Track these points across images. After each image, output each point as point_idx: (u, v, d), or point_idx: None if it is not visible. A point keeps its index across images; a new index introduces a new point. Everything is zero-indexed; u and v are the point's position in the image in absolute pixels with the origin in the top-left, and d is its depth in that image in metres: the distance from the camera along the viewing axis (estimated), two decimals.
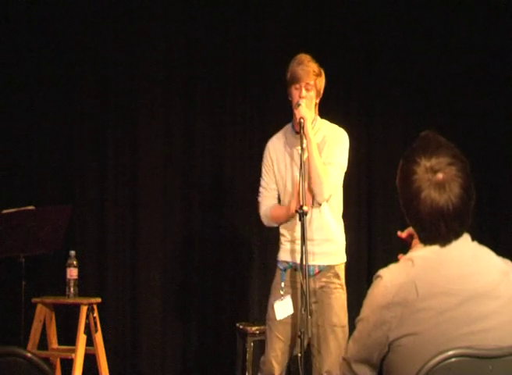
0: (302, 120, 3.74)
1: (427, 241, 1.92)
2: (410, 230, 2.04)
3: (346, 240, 3.92)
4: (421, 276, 1.87)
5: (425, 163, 1.90)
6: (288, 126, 4.00)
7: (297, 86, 3.85)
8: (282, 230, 3.98)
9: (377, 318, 1.88)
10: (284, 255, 3.94)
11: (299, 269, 3.76)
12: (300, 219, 3.65)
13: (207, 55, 5.43)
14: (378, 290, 1.90)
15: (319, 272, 3.81)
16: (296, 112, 3.81)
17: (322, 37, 5.49)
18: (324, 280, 3.81)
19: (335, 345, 3.78)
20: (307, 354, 3.71)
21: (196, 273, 5.36)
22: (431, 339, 1.82)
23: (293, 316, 3.83)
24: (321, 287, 3.81)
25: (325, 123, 3.97)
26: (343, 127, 3.92)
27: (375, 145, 5.63)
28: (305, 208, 3.64)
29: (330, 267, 3.83)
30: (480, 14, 5.63)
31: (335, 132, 3.93)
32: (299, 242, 3.76)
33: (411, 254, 1.96)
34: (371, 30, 5.64)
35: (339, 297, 3.84)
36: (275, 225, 3.97)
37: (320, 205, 3.79)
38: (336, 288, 3.82)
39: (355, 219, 5.37)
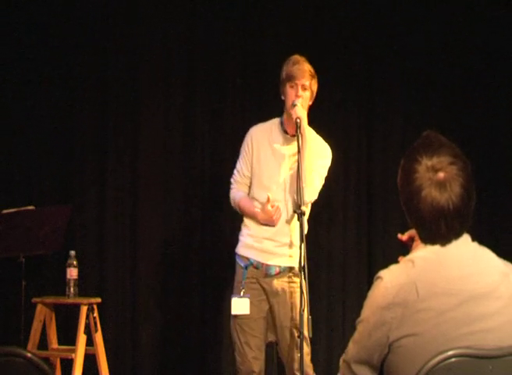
0: (298, 120, 3.71)
1: (427, 240, 1.92)
2: (410, 232, 2.04)
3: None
4: (421, 277, 1.86)
5: (427, 162, 1.90)
6: (276, 122, 3.96)
7: (293, 84, 3.82)
8: (246, 221, 3.96)
9: (377, 319, 1.88)
10: (245, 250, 3.93)
11: (260, 267, 3.84)
12: (298, 220, 3.65)
13: (207, 54, 5.43)
14: (378, 291, 1.90)
15: (280, 273, 3.84)
16: (292, 112, 3.77)
17: (322, 37, 5.48)
18: (285, 279, 3.85)
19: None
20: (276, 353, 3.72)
21: (196, 272, 5.35)
22: (431, 340, 1.82)
23: (260, 310, 3.85)
24: (283, 288, 3.84)
25: (312, 132, 3.93)
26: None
27: (374, 146, 5.61)
28: (303, 208, 3.63)
29: (291, 268, 3.86)
30: (480, 14, 5.62)
31: (320, 146, 3.91)
32: (263, 241, 3.79)
33: (412, 255, 1.96)
34: (371, 29, 5.63)
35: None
36: None
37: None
38: (298, 287, 3.81)
39: (355, 220, 5.34)
